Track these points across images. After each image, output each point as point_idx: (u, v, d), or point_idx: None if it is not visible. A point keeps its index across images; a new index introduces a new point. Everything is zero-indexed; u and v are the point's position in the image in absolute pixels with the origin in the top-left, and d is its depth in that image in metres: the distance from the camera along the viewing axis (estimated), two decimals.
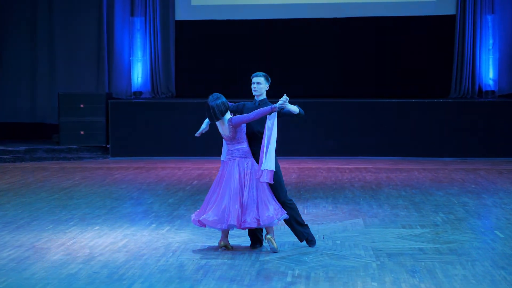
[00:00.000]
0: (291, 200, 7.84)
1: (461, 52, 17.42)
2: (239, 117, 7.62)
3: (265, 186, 7.58)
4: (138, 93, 18.14)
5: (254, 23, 18.09)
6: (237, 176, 7.61)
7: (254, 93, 7.85)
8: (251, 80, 7.86)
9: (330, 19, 17.88)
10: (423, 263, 7.14)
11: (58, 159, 16.20)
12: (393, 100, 16.39)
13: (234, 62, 17.94)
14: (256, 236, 7.83)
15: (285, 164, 14.51)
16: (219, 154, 7.91)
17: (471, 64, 17.39)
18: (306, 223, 7.91)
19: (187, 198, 11.01)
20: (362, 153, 16.00)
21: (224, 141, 7.85)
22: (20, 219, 9.45)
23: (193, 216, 7.87)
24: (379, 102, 16.40)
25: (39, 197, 11.14)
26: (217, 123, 7.69)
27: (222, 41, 18.14)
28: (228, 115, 7.67)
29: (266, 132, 7.52)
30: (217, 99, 7.62)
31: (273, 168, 7.50)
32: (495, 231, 8.65)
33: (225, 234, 7.73)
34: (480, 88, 17.46)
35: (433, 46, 17.77)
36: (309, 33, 18.00)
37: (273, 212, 7.50)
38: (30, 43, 18.37)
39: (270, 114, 7.54)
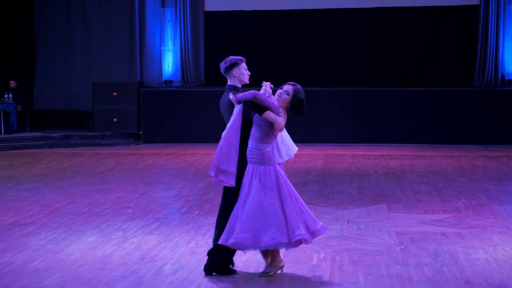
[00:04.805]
0: None
1: (485, 41, 17.23)
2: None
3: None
4: (168, 82, 18.21)
5: (282, 13, 18.05)
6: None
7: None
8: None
9: (355, 9, 17.81)
10: (445, 248, 7.10)
11: (93, 145, 16.33)
12: (417, 89, 16.27)
13: (263, 51, 17.91)
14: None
15: (311, 151, 14.51)
16: None
17: (494, 53, 17.21)
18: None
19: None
20: (386, 140, 15.92)
21: (277, 140, 6.35)
22: (57, 202, 9.56)
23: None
24: (403, 90, 16.30)
25: (74, 182, 11.25)
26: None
27: (251, 30, 18.13)
28: None
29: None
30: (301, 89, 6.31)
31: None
32: None
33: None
34: (503, 77, 17.29)
35: (456, 35, 17.61)
36: (337, 23, 17.91)
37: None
38: (66, 33, 18.54)
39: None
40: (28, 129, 17.37)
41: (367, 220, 8.39)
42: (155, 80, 18.23)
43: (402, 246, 7.17)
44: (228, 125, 6.17)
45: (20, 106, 17.05)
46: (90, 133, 16.92)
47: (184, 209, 9.14)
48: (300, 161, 13.23)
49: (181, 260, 6.72)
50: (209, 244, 7.21)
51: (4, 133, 16.52)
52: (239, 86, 6.42)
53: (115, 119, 16.88)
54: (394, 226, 8.06)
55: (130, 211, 9.00)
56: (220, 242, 6.13)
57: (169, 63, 18.29)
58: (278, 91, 6.28)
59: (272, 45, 17.95)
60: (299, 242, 6.09)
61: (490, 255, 6.85)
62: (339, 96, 16.18)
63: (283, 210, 6.08)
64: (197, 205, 9.37)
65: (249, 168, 6.13)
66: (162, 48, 18.29)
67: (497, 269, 6.39)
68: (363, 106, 16.17)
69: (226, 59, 6.47)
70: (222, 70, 6.48)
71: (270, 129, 6.13)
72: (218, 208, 8.99)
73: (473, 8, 17.43)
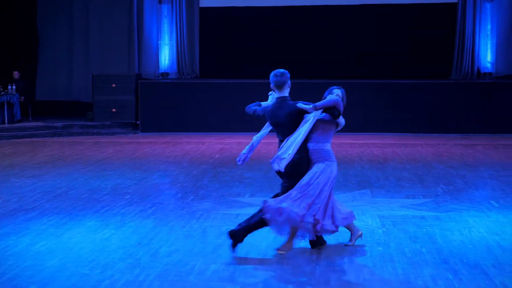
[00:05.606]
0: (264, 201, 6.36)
1: (462, 37, 17.30)
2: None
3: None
4: (165, 74, 18.17)
5: (275, 9, 18.00)
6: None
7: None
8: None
9: (341, 6, 17.80)
10: (424, 230, 7.12)
11: (92, 134, 16.28)
12: (399, 81, 16.32)
13: (255, 46, 17.87)
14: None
15: None
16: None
17: (471, 48, 17.27)
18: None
19: (210, 170, 11.04)
20: (370, 129, 15.95)
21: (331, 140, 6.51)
22: (58, 188, 9.53)
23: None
24: (387, 83, 16.35)
25: (75, 169, 11.21)
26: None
27: (244, 26, 18.08)
28: None
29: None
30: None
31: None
32: (491, 201, 8.60)
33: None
34: (479, 70, 17.35)
35: (436, 31, 17.63)
36: (325, 19, 17.88)
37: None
38: (67, 27, 18.47)
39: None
40: (30, 118, 17.29)
41: (352, 205, 8.39)
42: (152, 73, 18.18)
43: (384, 229, 7.18)
44: (305, 127, 6.29)
45: (23, 97, 16.96)
46: (90, 123, 16.87)
47: (179, 195, 9.12)
48: None
49: (176, 243, 6.71)
50: (203, 228, 7.23)
51: (8, 123, 16.44)
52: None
53: (114, 110, 16.83)
54: (377, 210, 8.08)
55: (128, 196, 8.98)
56: (268, 207, 6.05)
57: (166, 57, 18.24)
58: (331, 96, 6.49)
59: (265, 41, 17.90)
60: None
61: (466, 236, 6.87)
62: (326, 87, 16.13)
63: (330, 200, 6.27)
64: (191, 191, 9.36)
65: (317, 165, 6.33)
66: (159, 42, 18.23)
67: (472, 249, 6.42)
68: (348, 97, 16.11)
69: (278, 73, 6.22)
70: (276, 84, 6.22)
71: (332, 129, 6.44)
72: (211, 194, 9.06)
73: (452, 6, 17.46)
